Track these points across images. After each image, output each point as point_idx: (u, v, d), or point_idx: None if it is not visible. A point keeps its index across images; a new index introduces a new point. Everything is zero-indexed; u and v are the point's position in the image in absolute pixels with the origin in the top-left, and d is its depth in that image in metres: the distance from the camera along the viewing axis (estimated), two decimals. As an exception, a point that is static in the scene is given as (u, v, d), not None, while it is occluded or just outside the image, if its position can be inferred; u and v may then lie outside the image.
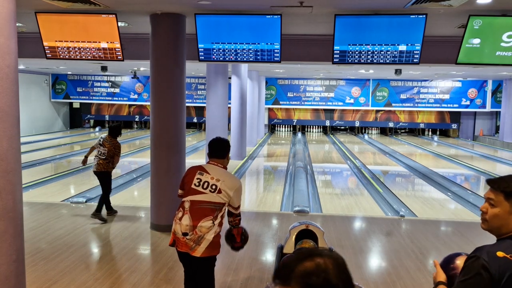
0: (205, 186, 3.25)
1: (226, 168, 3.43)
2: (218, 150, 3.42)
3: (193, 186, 3.28)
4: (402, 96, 22.03)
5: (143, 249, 5.62)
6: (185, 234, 3.21)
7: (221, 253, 5.39)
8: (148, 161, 6.88)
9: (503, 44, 5.71)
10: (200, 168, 3.35)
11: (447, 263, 1.94)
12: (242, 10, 5.81)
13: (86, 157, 7.39)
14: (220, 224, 3.29)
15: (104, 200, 6.77)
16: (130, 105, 24.20)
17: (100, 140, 6.93)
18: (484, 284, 1.55)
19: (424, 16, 5.57)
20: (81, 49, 6.43)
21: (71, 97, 23.36)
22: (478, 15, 5.51)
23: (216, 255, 3.34)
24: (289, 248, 3.69)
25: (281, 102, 22.64)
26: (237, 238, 3.52)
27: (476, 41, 5.71)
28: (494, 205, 1.76)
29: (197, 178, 3.29)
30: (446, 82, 21.64)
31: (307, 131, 24.52)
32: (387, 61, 6.00)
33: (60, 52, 6.51)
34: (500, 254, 1.58)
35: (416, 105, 22.07)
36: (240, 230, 3.54)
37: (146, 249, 5.65)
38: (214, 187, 3.25)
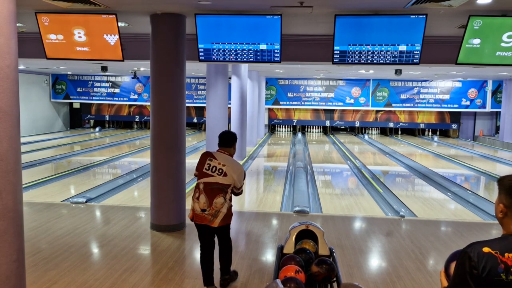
0: (213, 170, 3.97)
1: (232, 156, 4.10)
2: (226, 140, 4.11)
3: (204, 170, 4.00)
4: (402, 96, 22.03)
5: (143, 249, 5.62)
6: (203, 210, 3.95)
7: (221, 253, 5.35)
8: (148, 161, 6.88)
9: (503, 44, 5.71)
10: (209, 155, 4.07)
11: (450, 262, 2.02)
12: (242, 10, 5.82)
13: None
14: (230, 199, 4.06)
15: None
16: (130, 105, 24.20)
17: None
18: (469, 277, 1.69)
19: (424, 16, 5.57)
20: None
21: (71, 97, 23.37)
22: (478, 15, 5.51)
23: (229, 223, 4.12)
24: (289, 248, 3.69)
25: (281, 102, 22.64)
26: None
27: (476, 41, 5.71)
28: None
29: (207, 163, 4.01)
30: (446, 82, 21.64)
31: (307, 131, 24.52)
32: (387, 61, 6.00)
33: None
34: (486, 249, 1.69)
35: (416, 105, 22.07)
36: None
37: (146, 249, 5.65)
38: (221, 171, 3.96)
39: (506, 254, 1.68)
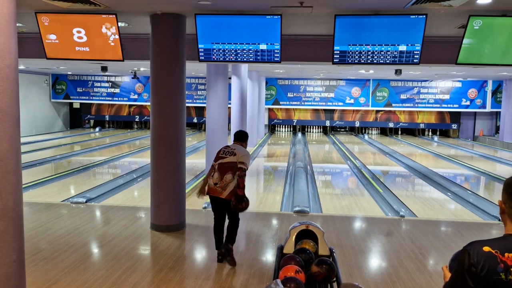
0: (226, 154, 5.06)
1: (244, 147, 5.18)
2: (239, 136, 5.24)
3: (220, 154, 5.10)
4: (402, 96, 22.03)
5: (143, 249, 5.62)
6: (215, 184, 4.95)
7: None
8: (148, 161, 6.88)
9: (502, 44, 5.70)
10: (227, 146, 5.23)
11: (453, 261, 2.04)
12: (242, 10, 5.82)
13: None
14: (236, 180, 4.89)
15: None
16: (130, 105, 24.20)
17: None
18: (467, 275, 1.68)
19: (424, 16, 5.57)
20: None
21: (71, 97, 23.36)
22: (478, 15, 5.51)
23: (233, 202, 4.88)
24: (289, 248, 3.69)
25: (281, 102, 22.64)
26: (240, 192, 4.83)
27: (476, 41, 5.71)
28: None
29: (223, 150, 5.14)
30: (446, 82, 21.64)
31: (307, 131, 24.52)
32: (387, 61, 6.00)
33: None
34: (486, 249, 1.69)
35: (416, 105, 22.07)
36: (243, 185, 4.87)
37: (146, 249, 5.65)
38: (231, 152, 5.04)
39: (506, 254, 1.67)
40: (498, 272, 1.65)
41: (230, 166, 4.93)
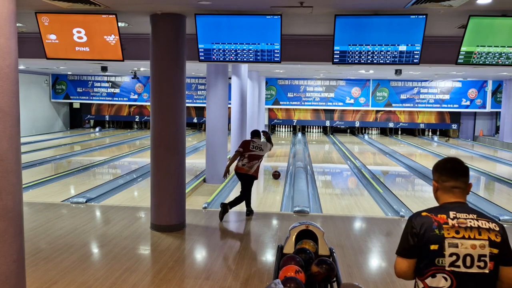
0: (256, 148, 6.92)
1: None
2: (257, 134, 7.09)
3: (250, 148, 6.89)
4: (402, 97, 22.03)
5: (143, 249, 5.62)
6: (244, 165, 6.85)
7: (221, 254, 5.41)
8: (148, 161, 6.88)
9: (502, 44, 5.70)
10: (251, 141, 7.00)
11: None
12: (242, 10, 5.82)
13: None
14: (260, 163, 7.02)
15: None
16: (130, 105, 24.20)
17: None
18: (409, 235, 2.19)
19: (424, 16, 5.57)
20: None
21: (71, 97, 23.36)
22: (478, 15, 5.51)
23: (256, 177, 7.00)
24: (289, 248, 3.69)
25: (281, 103, 22.64)
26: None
27: (474, 41, 5.70)
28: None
29: (251, 144, 6.92)
30: (446, 83, 21.64)
31: (307, 131, 24.52)
32: (387, 61, 5.99)
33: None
34: (423, 213, 2.18)
35: (416, 105, 22.06)
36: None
37: (146, 249, 5.65)
38: (259, 148, 6.96)
39: (439, 215, 2.14)
40: (433, 228, 2.11)
41: (257, 157, 6.91)
